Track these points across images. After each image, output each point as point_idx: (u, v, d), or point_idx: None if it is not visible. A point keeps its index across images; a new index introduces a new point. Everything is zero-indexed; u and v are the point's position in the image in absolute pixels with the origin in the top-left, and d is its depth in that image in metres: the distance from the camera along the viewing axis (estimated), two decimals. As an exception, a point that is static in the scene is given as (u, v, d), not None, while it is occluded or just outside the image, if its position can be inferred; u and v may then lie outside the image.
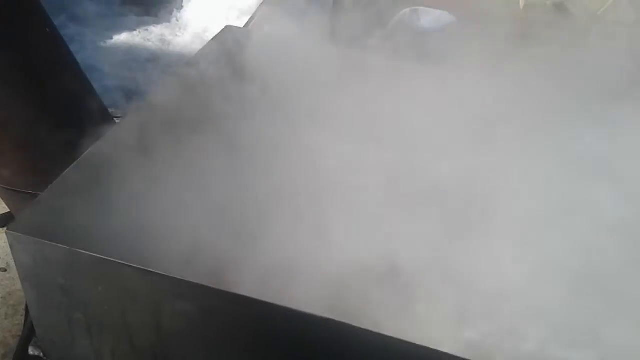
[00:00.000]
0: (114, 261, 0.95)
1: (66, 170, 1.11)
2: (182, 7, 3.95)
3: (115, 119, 1.67)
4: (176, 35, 3.74)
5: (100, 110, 1.44)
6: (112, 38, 3.61)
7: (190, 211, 1.08)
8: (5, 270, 2.00)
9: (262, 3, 3.40)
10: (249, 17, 3.34)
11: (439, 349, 0.90)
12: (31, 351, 1.25)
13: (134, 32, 3.70)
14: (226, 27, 1.53)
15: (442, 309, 1.15)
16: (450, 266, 1.22)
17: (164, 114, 1.17)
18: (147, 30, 3.76)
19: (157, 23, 3.82)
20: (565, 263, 1.21)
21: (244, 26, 3.19)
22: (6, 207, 1.85)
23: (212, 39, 1.45)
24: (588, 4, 2.85)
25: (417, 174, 1.38)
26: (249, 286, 1.03)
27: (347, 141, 1.46)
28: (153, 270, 0.94)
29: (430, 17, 3.44)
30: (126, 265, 0.96)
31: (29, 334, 1.28)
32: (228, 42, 1.42)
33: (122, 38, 3.63)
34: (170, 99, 1.22)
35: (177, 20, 3.89)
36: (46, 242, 0.98)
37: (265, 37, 1.65)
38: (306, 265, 1.09)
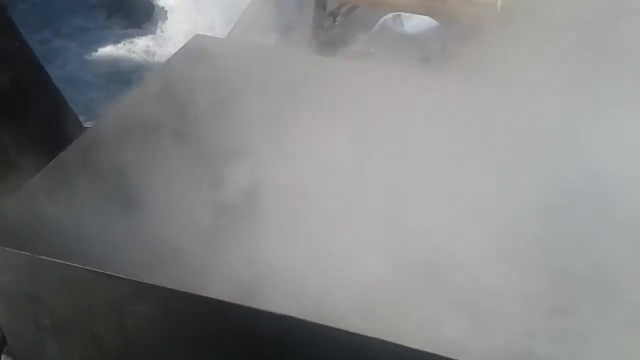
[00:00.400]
0: (75, 266, 0.97)
1: (31, 179, 1.13)
2: (166, 18, 3.99)
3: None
4: (161, 46, 3.78)
5: (72, 122, 1.46)
6: (97, 51, 3.65)
7: (155, 216, 1.10)
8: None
9: (243, 12, 3.44)
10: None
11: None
12: (4, 359, 1.26)
13: (119, 45, 3.74)
14: (196, 35, 1.56)
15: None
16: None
17: (130, 122, 1.19)
18: (131, 42, 3.80)
19: (142, 35, 3.87)
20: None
21: (227, 35, 3.23)
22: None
23: (181, 47, 1.47)
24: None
25: (386, 186, 1.40)
26: (217, 288, 1.05)
27: (320, 147, 1.48)
28: (112, 274, 0.95)
29: (413, 23, 3.48)
30: (86, 269, 0.98)
31: (1, 342, 1.29)
32: (196, 50, 1.44)
33: (107, 50, 3.67)
34: (136, 107, 1.25)
35: (162, 32, 3.93)
36: (8, 249, 0.99)
37: (236, 46, 1.68)
38: (276, 270, 1.11)
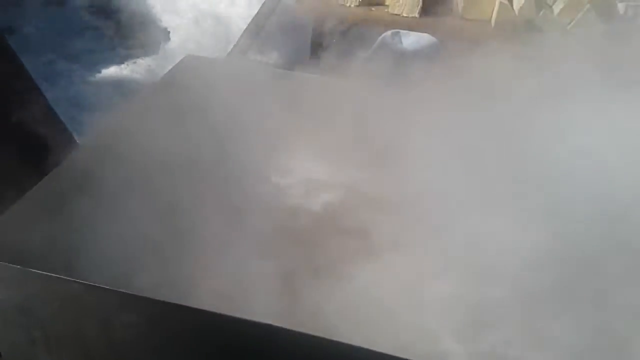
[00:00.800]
0: (63, 278, 1.00)
1: (24, 195, 1.17)
2: (169, 38, 4.07)
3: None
4: (163, 66, 3.84)
5: (66, 140, 1.51)
6: (100, 72, 3.72)
7: (143, 227, 1.13)
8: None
9: (244, 32, 3.49)
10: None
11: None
12: (-2, 371, 1.29)
13: (122, 65, 3.81)
14: (187, 56, 1.60)
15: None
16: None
17: (118, 140, 1.23)
18: (135, 62, 3.87)
19: (145, 55, 3.94)
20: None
21: (228, 54, 3.28)
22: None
23: (172, 68, 1.52)
24: (557, 19, 2.92)
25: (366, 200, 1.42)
26: (204, 299, 1.08)
27: (302, 165, 1.51)
28: (99, 285, 0.99)
29: (412, 39, 3.52)
30: (74, 281, 1.01)
31: (-4, 356, 1.32)
32: (187, 70, 1.48)
33: (111, 71, 3.75)
34: (124, 127, 1.29)
35: (165, 52, 4.00)
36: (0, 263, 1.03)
37: (227, 65, 1.72)
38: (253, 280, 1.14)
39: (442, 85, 2.22)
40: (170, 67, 1.68)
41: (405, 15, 3.34)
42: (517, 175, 1.48)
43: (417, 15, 3.31)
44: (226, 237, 1.22)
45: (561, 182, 1.43)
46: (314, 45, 3.53)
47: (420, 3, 3.24)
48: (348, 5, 3.41)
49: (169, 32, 4.11)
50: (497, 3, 3.03)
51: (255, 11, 3.54)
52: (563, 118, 1.66)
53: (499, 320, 1.16)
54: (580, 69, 2.05)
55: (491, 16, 3.07)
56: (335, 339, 0.95)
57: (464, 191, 1.43)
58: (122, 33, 4.09)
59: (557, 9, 2.97)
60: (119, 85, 3.65)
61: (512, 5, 3.03)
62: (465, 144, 1.59)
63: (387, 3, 3.33)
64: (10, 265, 1.02)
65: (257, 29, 3.50)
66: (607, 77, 1.90)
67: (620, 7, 2.95)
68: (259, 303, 1.13)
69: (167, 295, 0.97)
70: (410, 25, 3.41)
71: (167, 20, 4.16)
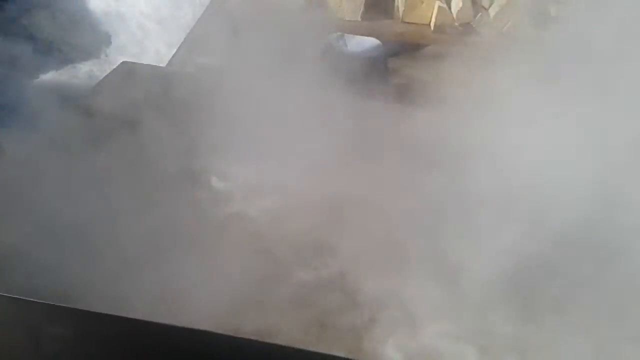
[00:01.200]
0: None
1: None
2: (110, 42, 3.98)
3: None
4: (105, 71, 3.75)
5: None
6: (38, 77, 3.60)
7: (72, 240, 1.11)
8: None
9: (188, 35, 3.46)
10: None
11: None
12: None
13: (61, 71, 3.70)
14: (123, 62, 1.58)
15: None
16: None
17: (48, 144, 1.21)
18: (74, 67, 3.77)
19: (85, 59, 3.84)
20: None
21: (171, 58, 3.24)
22: None
23: (107, 74, 1.49)
24: (493, 22, 3.02)
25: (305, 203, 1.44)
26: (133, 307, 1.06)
27: (241, 170, 1.51)
28: (26, 298, 0.96)
29: (356, 43, 3.58)
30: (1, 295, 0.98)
31: None
32: (122, 77, 1.46)
33: (48, 77, 3.63)
34: (58, 132, 1.26)
35: (106, 56, 3.91)
36: None
37: (165, 73, 1.71)
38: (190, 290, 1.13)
39: (384, 86, 2.25)
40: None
41: (348, 19, 3.38)
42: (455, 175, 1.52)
43: (359, 19, 3.35)
44: (160, 243, 1.21)
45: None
46: (258, 48, 3.52)
47: (362, 7, 3.29)
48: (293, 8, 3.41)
49: (110, 36, 4.01)
50: (435, 7, 3.10)
51: (199, 15, 3.51)
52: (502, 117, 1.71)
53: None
54: (514, 69, 2.12)
55: (430, 20, 3.14)
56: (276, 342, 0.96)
57: (408, 195, 1.47)
58: (61, 37, 3.97)
59: (493, 12, 3.06)
60: (57, 91, 3.55)
61: (450, 9, 3.11)
62: (407, 149, 1.63)
63: (330, 6, 3.36)
64: None
65: (201, 32, 3.46)
66: (538, 76, 1.97)
67: (553, 9, 3.07)
68: (195, 309, 1.13)
69: (98, 306, 0.95)
70: (353, 29, 3.46)
71: (108, 23, 4.07)
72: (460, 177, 1.51)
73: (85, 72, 3.72)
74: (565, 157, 1.51)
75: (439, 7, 3.09)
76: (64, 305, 0.95)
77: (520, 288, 1.27)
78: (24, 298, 0.96)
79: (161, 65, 2.99)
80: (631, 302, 1.25)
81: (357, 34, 3.55)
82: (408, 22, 3.21)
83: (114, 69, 1.53)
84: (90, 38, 4.00)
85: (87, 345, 0.99)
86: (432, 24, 3.13)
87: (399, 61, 3.39)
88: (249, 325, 1.10)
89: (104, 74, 3.87)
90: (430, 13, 3.15)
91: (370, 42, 3.50)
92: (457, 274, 1.26)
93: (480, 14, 3.08)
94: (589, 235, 1.34)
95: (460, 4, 3.04)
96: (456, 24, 3.07)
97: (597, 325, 1.21)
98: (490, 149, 1.57)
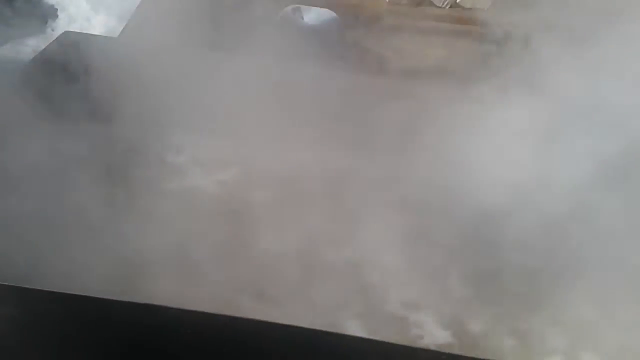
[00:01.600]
0: None
1: None
2: (56, 16, 3.82)
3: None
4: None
5: None
6: (-20, 53, 3.44)
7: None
8: None
9: (137, 8, 3.35)
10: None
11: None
12: None
13: (6, 46, 3.54)
14: (64, 32, 1.52)
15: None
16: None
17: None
18: (20, 42, 3.61)
19: (31, 34, 3.68)
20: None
21: (121, 32, 3.14)
22: None
23: (48, 44, 1.44)
24: (447, -7, 3.01)
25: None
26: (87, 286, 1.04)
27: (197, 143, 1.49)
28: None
29: (312, 14, 3.54)
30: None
31: None
32: (63, 47, 1.41)
33: (-8, 52, 3.47)
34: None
35: (52, 30, 3.76)
36: None
37: (108, 43, 1.65)
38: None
39: (340, 59, 2.25)
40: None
41: (303, -10, 3.34)
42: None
43: (315, -10, 3.32)
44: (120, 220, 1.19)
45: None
46: (213, 20, 3.45)
47: (319, -22, 3.25)
48: (247, -21, 3.35)
49: (56, 10, 3.85)
50: (391, -23, 3.08)
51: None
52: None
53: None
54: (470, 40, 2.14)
55: (386, -9, 3.12)
56: (239, 315, 0.95)
57: (367, 166, 1.47)
58: (6, 11, 3.79)
59: (447, -17, 3.06)
60: (2, 66, 3.40)
61: (405, -20, 3.08)
62: (365, 120, 1.63)
63: (286, -22, 3.31)
64: None
65: (152, 5, 3.36)
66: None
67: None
68: (153, 285, 1.12)
69: (46, 284, 0.93)
70: (310, 0, 3.43)
71: (55, -5, 3.91)
72: (417, 150, 1.53)
73: (30, 47, 3.56)
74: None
75: (394, -23, 3.06)
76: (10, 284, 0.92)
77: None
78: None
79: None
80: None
81: (313, 5, 3.52)
82: (364, -6, 3.19)
83: (56, 39, 1.47)
84: (33, 11, 3.84)
85: (36, 325, 0.96)
86: (386, -4, 3.11)
87: (354, 33, 3.38)
88: (204, 295, 1.10)
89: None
90: (386, -16, 3.13)
91: (327, 14, 3.48)
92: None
93: (435, -16, 3.07)
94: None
95: (415, -25, 3.02)
96: (410, -6, 3.06)
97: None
98: (446, 122, 1.59)
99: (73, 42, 1.45)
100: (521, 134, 1.55)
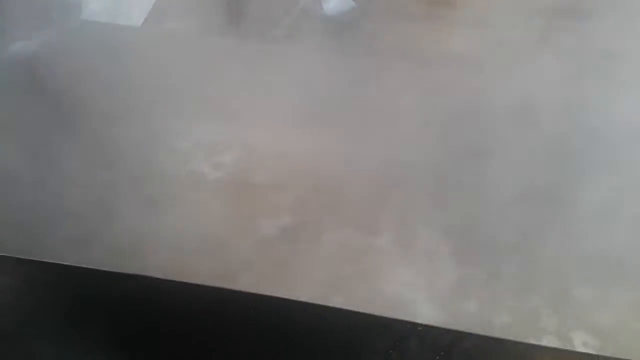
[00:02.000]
0: None
1: None
2: (78, 6, 3.85)
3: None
4: (73, 34, 3.64)
5: None
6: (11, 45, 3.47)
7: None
8: None
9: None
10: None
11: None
12: None
13: (27, 37, 3.58)
14: (81, 21, 1.52)
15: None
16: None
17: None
18: (41, 34, 3.64)
19: (52, 25, 3.71)
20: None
21: (142, 23, 3.16)
22: None
23: (67, 33, 1.44)
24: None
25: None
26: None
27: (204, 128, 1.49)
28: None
29: (332, 4, 3.52)
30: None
31: None
32: (80, 36, 1.41)
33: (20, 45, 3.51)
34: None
35: (75, 21, 3.79)
36: None
37: (127, 34, 1.65)
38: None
39: (359, 48, 2.23)
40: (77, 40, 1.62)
41: (323, -21, 3.31)
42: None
43: (333, -21, 3.29)
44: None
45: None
46: (232, 11, 3.45)
47: (337, -33, 3.22)
48: (265, -31, 3.34)
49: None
50: (411, -34, 3.04)
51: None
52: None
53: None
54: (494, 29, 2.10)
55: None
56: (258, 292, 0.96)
57: (377, 150, 1.47)
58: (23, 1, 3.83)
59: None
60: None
61: (428, -32, 3.04)
62: (376, 106, 1.62)
63: (305, -33, 3.29)
64: None
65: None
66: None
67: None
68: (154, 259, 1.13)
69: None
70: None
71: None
72: (440, 134, 1.52)
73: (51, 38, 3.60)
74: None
75: (415, -34, 3.03)
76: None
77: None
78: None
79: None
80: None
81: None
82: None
83: (73, 28, 1.48)
84: (58, 1, 3.87)
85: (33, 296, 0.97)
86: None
87: (374, 23, 3.36)
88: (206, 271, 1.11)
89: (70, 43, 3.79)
90: (408, -27, 3.09)
91: (347, 3, 3.46)
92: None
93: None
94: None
95: (442, -36, 2.98)
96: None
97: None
98: (472, 108, 1.58)
99: (89, 31, 1.45)
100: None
